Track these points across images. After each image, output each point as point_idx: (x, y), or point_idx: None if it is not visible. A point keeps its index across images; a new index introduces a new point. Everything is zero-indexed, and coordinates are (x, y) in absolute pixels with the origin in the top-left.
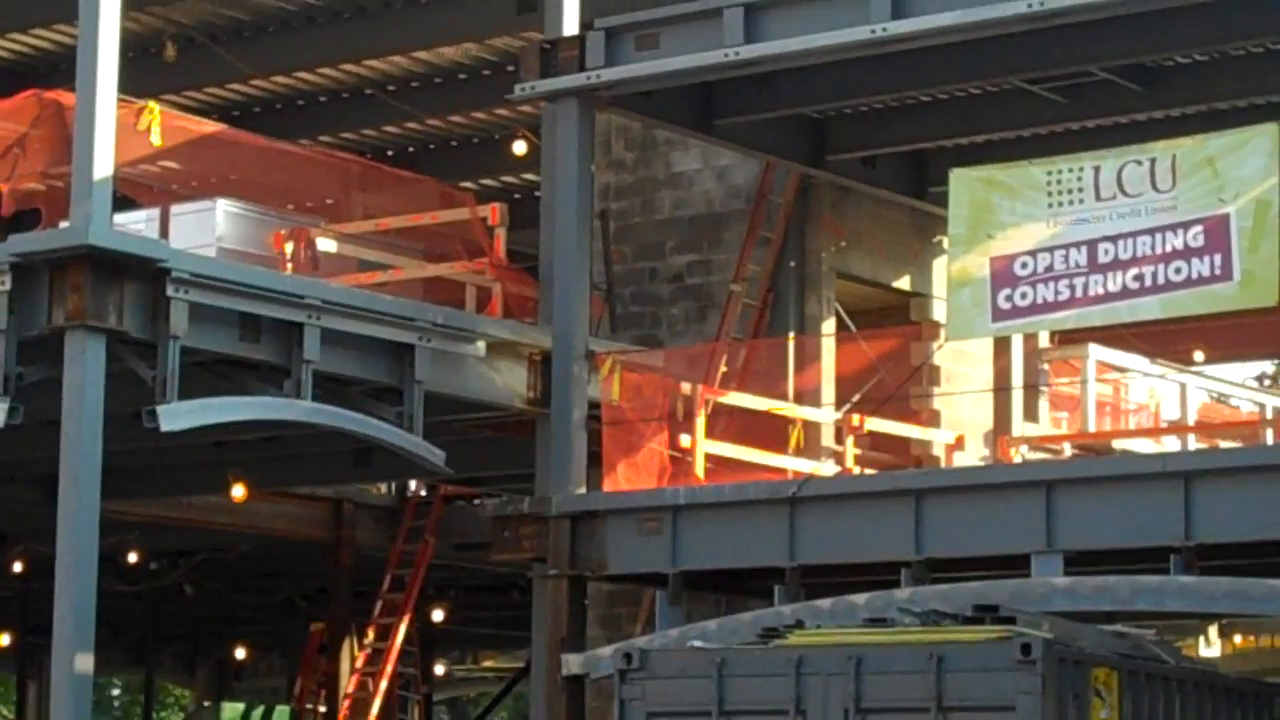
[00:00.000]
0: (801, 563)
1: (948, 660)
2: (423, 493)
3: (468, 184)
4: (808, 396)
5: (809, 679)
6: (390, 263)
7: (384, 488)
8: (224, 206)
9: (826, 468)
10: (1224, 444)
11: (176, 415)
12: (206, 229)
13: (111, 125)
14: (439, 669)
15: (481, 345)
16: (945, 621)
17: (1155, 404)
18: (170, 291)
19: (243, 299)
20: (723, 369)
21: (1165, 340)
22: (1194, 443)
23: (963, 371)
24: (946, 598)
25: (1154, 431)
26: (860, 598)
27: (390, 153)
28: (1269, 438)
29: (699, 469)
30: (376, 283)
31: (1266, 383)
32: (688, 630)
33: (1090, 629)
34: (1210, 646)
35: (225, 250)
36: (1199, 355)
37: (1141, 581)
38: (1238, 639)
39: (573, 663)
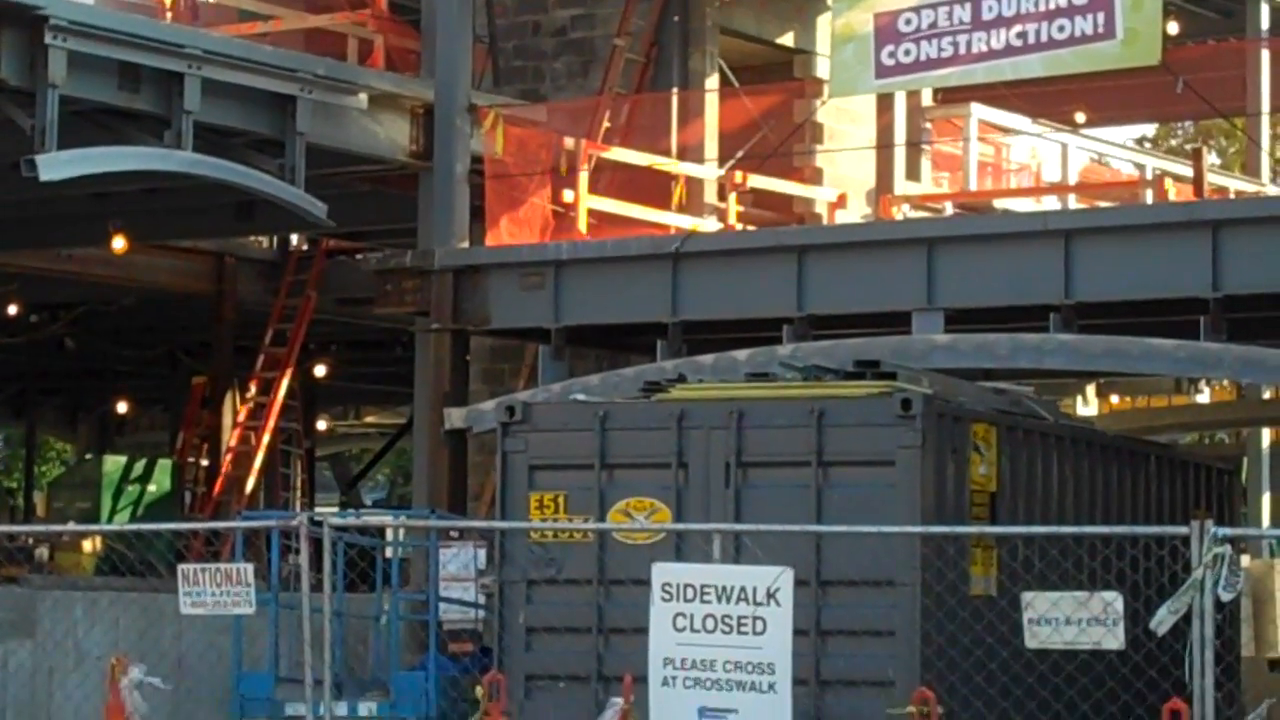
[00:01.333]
0: (684, 318)
1: (828, 415)
2: (305, 247)
3: None
4: (691, 153)
5: (691, 432)
6: (271, 13)
7: (266, 241)
8: None
9: (709, 224)
10: (1104, 204)
11: (55, 165)
12: None
13: None
14: (321, 424)
15: (363, 98)
16: (826, 377)
17: (1037, 164)
18: (49, 39)
19: (122, 48)
20: (606, 124)
21: (1047, 101)
22: (1074, 203)
23: (846, 129)
24: (828, 354)
25: (1035, 191)
26: (742, 353)
27: None
28: (1148, 198)
29: (582, 224)
30: (258, 33)
31: (1147, 145)
32: (570, 385)
33: (970, 385)
34: (1088, 405)
35: None
36: (1080, 116)
37: (1021, 339)
38: (1115, 399)
39: (455, 416)
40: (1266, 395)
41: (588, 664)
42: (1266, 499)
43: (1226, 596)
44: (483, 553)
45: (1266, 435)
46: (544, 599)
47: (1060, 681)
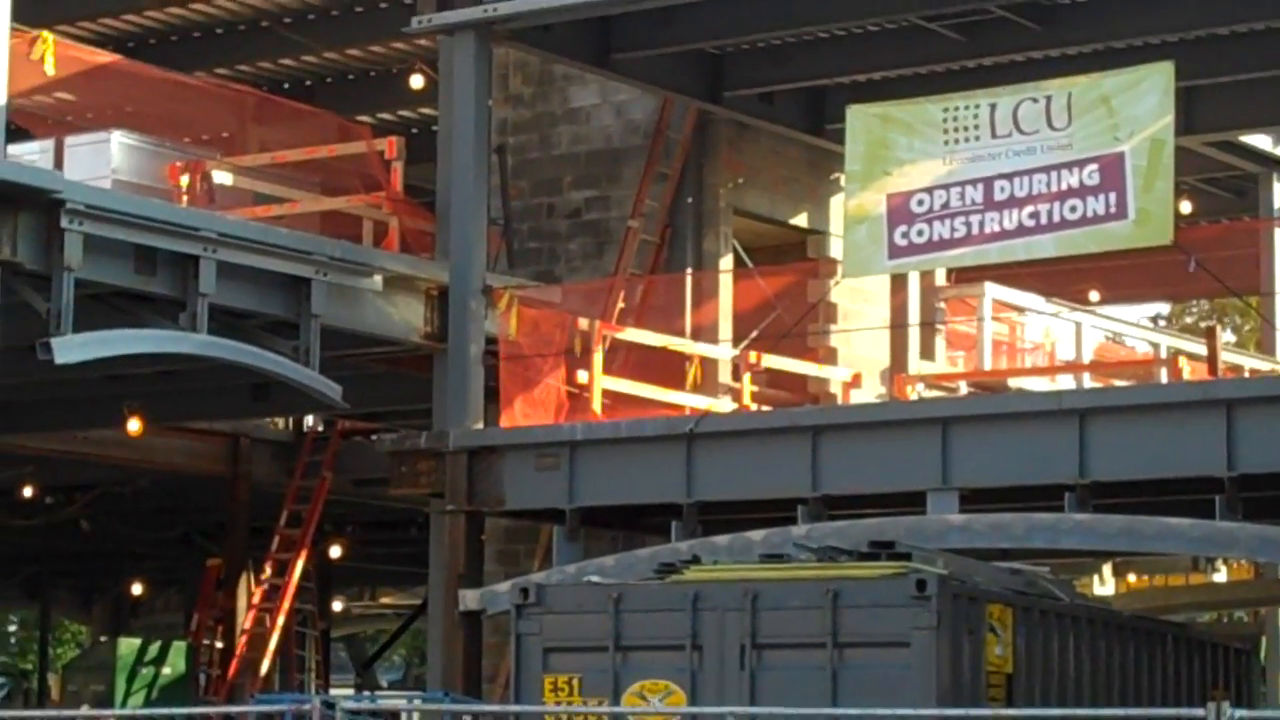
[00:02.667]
0: (699, 499)
1: (843, 596)
2: (320, 428)
3: (365, 118)
4: (705, 333)
5: (705, 614)
6: (286, 196)
7: (281, 423)
8: (119, 138)
9: (723, 404)
10: (1118, 383)
11: (71, 348)
12: (102, 160)
13: (4, 54)
14: (337, 605)
15: (378, 279)
16: (841, 557)
17: (1051, 343)
18: (65, 223)
19: (138, 231)
20: (620, 305)
21: (1061, 280)
22: (1089, 381)
23: (859, 309)
24: (843, 534)
25: (1049, 370)
26: (757, 534)
27: (287, 85)
28: (1163, 377)
29: (596, 405)
30: (273, 216)
31: (1161, 323)
32: (585, 566)
33: (985, 566)
34: (1104, 585)
35: (120, 182)
36: (1094, 295)
37: (1036, 519)
38: (1132, 578)
39: (470, 598)
40: None
41: None
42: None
43: None
44: None
45: None
46: None
47: None
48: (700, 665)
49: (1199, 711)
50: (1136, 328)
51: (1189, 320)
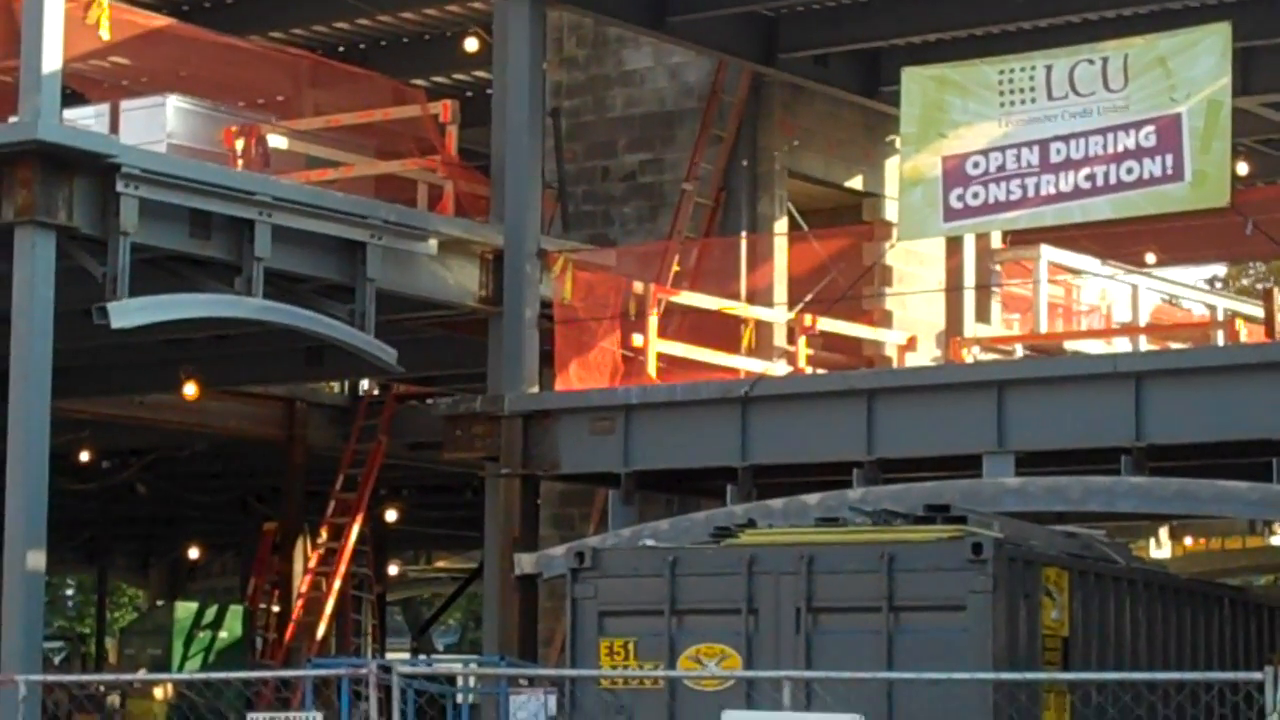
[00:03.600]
0: (753, 462)
1: (899, 559)
2: (375, 392)
3: (419, 81)
4: (760, 296)
5: (761, 578)
6: (341, 160)
7: (336, 387)
8: (174, 102)
9: (779, 368)
10: (1175, 346)
11: (127, 312)
12: (157, 125)
13: (60, 19)
14: (393, 569)
15: (433, 243)
16: (897, 521)
17: (1107, 306)
18: (120, 187)
19: (193, 195)
20: (675, 268)
21: (1117, 242)
22: (1145, 344)
23: (915, 272)
24: (898, 498)
25: (1105, 333)
26: (813, 497)
27: (341, 49)
28: (1219, 339)
29: (651, 368)
30: (327, 180)
31: (1218, 285)
32: (640, 529)
33: (1041, 529)
34: (1161, 548)
35: (175, 146)
36: (1151, 257)
37: (1092, 482)
38: (1188, 541)
39: (525, 562)
40: None
41: None
42: None
43: None
44: (553, 699)
45: None
46: None
47: None
48: (756, 629)
49: (1256, 675)
50: (1193, 290)
51: (1245, 282)
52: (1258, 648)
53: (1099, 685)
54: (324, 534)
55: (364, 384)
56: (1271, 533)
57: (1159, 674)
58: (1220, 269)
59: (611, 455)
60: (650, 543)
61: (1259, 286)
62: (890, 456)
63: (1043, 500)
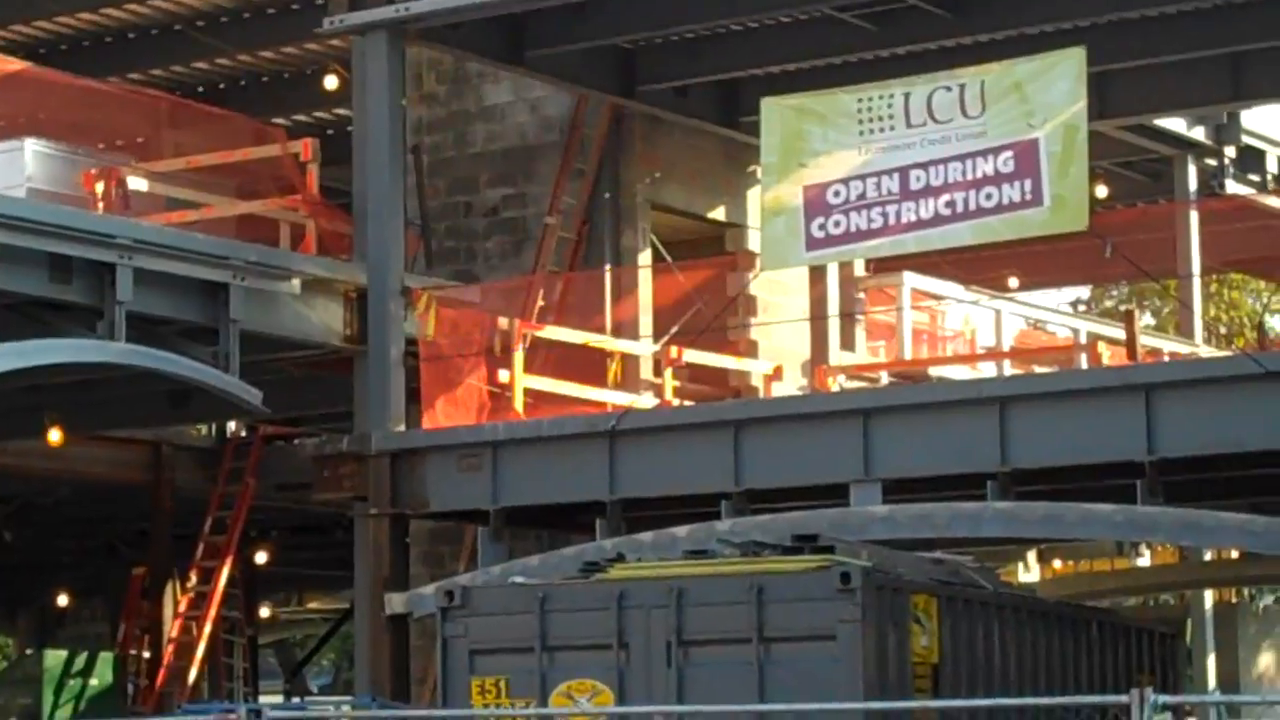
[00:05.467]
0: (622, 496)
1: (768, 590)
2: (242, 433)
3: (279, 120)
4: (625, 329)
5: (631, 612)
6: (202, 200)
7: (203, 429)
8: (32, 146)
9: (645, 400)
10: (1039, 369)
11: None
12: (15, 169)
13: None
14: (264, 611)
15: (296, 283)
16: (765, 552)
17: (971, 331)
18: None
19: (53, 239)
20: (540, 303)
21: (980, 267)
22: (1010, 369)
23: (779, 301)
24: (766, 528)
25: (970, 358)
26: (681, 530)
27: (200, 89)
28: (1083, 362)
29: (518, 404)
30: (189, 221)
31: (1082, 308)
32: (510, 566)
33: (909, 556)
34: (1029, 572)
35: (34, 190)
36: (1013, 282)
37: (959, 508)
38: (1057, 564)
39: (396, 601)
40: (1208, 556)
41: None
42: (1211, 660)
43: None
44: None
45: (1209, 596)
46: None
47: None
48: (627, 663)
49: (1123, 698)
50: (1055, 313)
51: (1110, 303)
52: (1126, 669)
53: (970, 712)
54: (194, 577)
55: (230, 426)
56: (1139, 554)
57: (1028, 699)
58: (1084, 292)
59: (480, 492)
60: (520, 580)
61: (1121, 308)
62: (758, 487)
63: (910, 527)
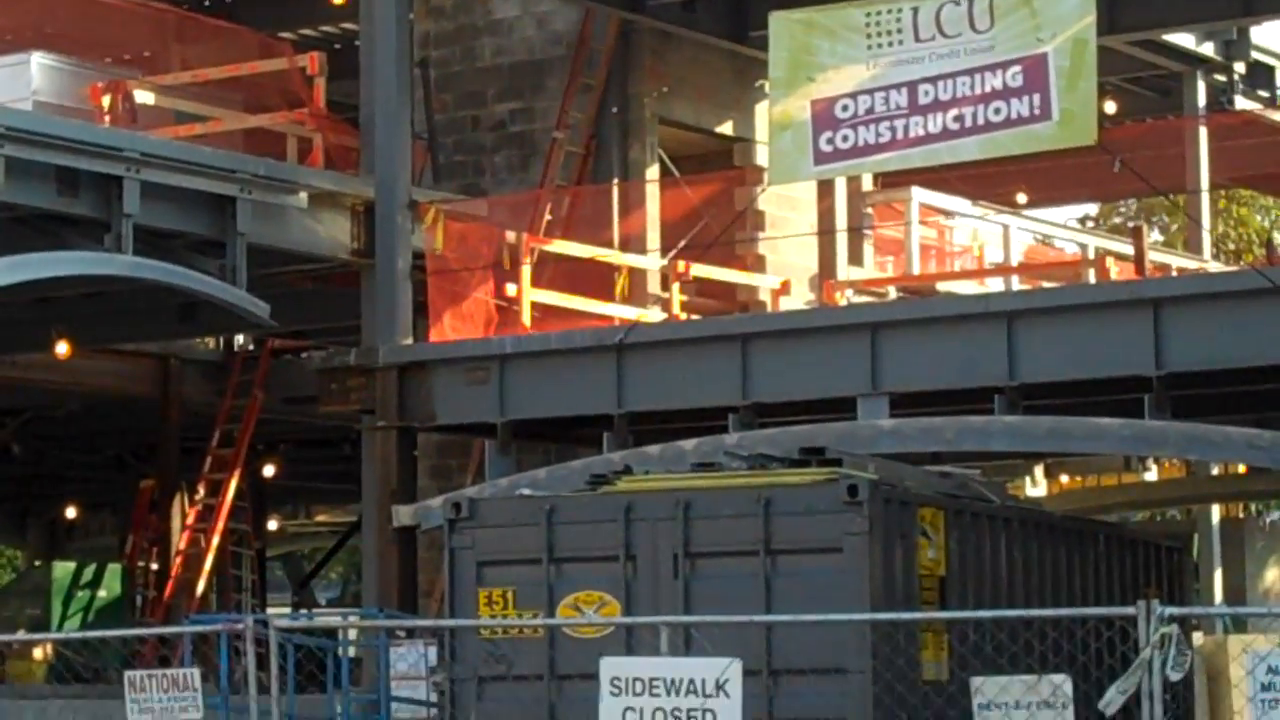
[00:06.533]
0: (629, 409)
1: (775, 503)
2: (250, 347)
3: (287, 34)
4: (633, 243)
5: (638, 524)
6: (210, 114)
7: (211, 343)
8: (39, 60)
9: (653, 315)
10: (1047, 285)
11: None
12: (21, 83)
13: None
14: (272, 524)
15: (304, 196)
16: (772, 465)
17: (979, 246)
18: None
19: (60, 152)
20: (547, 217)
21: (988, 183)
22: (1017, 284)
23: (787, 216)
24: (774, 442)
25: (977, 273)
26: (689, 443)
27: (207, 3)
28: (1091, 277)
29: (525, 318)
30: (196, 135)
31: (1090, 224)
32: (517, 479)
33: (916, 470)
34: (1036, 486)
35: (41, 104)
36: (1021, 197)
37: (966, 422)
38: (1063, 479)
39: (403, 514)
40: (1215, 471)
41: None
42: (1218, 575)
43: (1175, 676)
44: (433, 651)
45: (1216, 511)
46: (495, 696)
47: None
48: (634, 575)
49: (1130, 610)
50: (1064, 229)
51: (1118, 220)
52: (1133, 583)
53: (975, 624)
54: (201, 490)
55: (238, 339)
56: (1145, 469)
57: (1034, 611)
58: (1092, 208)
59: (487, 405)
60: (527, 492)
61: (1129, 224)
62: (766, 400)
63: (917, 441)
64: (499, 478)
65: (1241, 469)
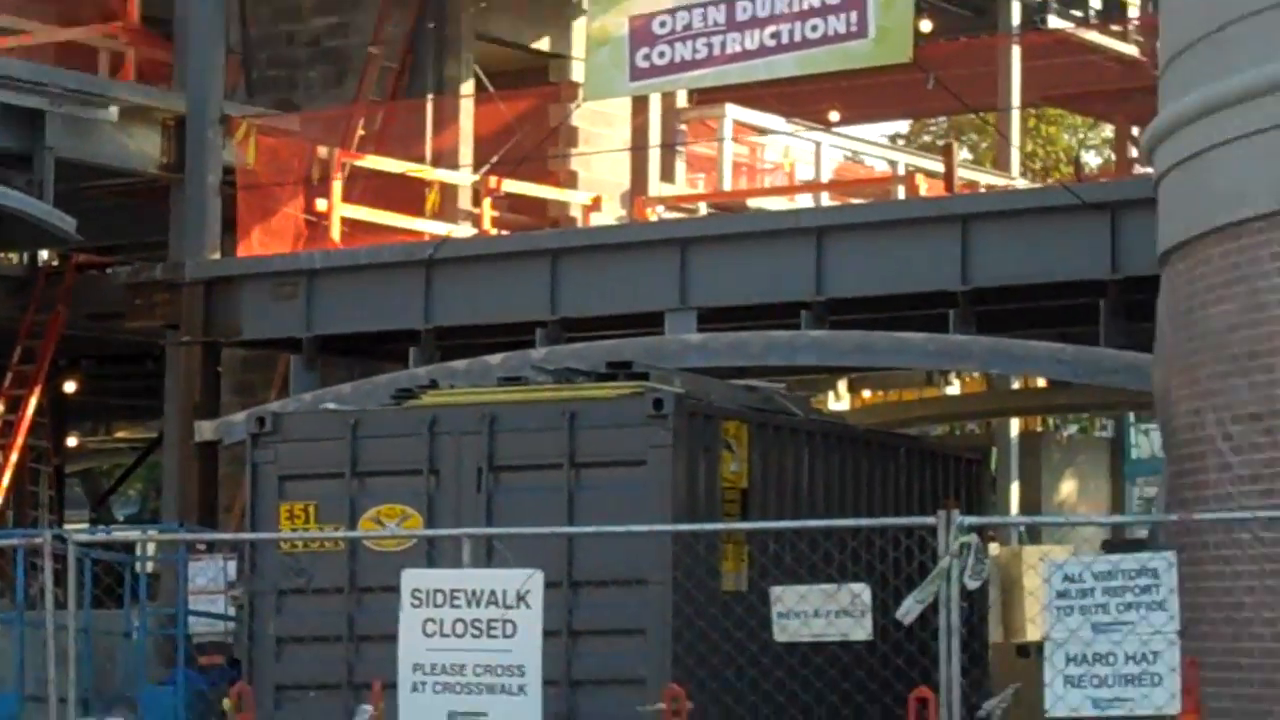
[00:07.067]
0: (437, 324)
1: (580, 417)
2: (55, 262)
3: None
4: (445, 159)
5: (442, 438)
6: (20, 27)
7: (15, 258)
8: None
9: (464, 231)
10: (856, 202)
11: None
12: None
13: None
14: (71, 440)
15: (114, 110)
16: (579, 379)
17: (790, 163)
18: None
19: None
20: (360, 132)
21: (801, 100)
22: (827, 201)
23: (600, 132)
24: (581, 356)
25: (788, 190)
26: (495, 358)
27: None
28: (900, 195)
29: (335, 233)
30: (7, 48)
31: (900, 142)
32: (322, 394)
33: (722, 384)
34: (840, 401)
35: None
36: (835, 115)
37: (773, 337)
38: (866, 393)
39: (205, 429)
40: (1015, 385)
41: (338, 672)
42: (1015, 487)
43: (973, 585)
44: (233, 565)
45: (1015, 425)
46: (294, 609)
47: (809, 674)
48: (437, 489)
49: (930, 520)
50: (875, 146)
51: (928, 138)
52: (932, 494)
53: (776, 535)
54: (1, 406)
55: (43, 254)
56: (948, 384)
57: (836, 521)
58: (903, 126)
59: (294, 320)
60: (332, 406)
61: (939, 143)
62: (573, 315)
63: (724, 355)
64: (303, 393)
65: (1041, 383)
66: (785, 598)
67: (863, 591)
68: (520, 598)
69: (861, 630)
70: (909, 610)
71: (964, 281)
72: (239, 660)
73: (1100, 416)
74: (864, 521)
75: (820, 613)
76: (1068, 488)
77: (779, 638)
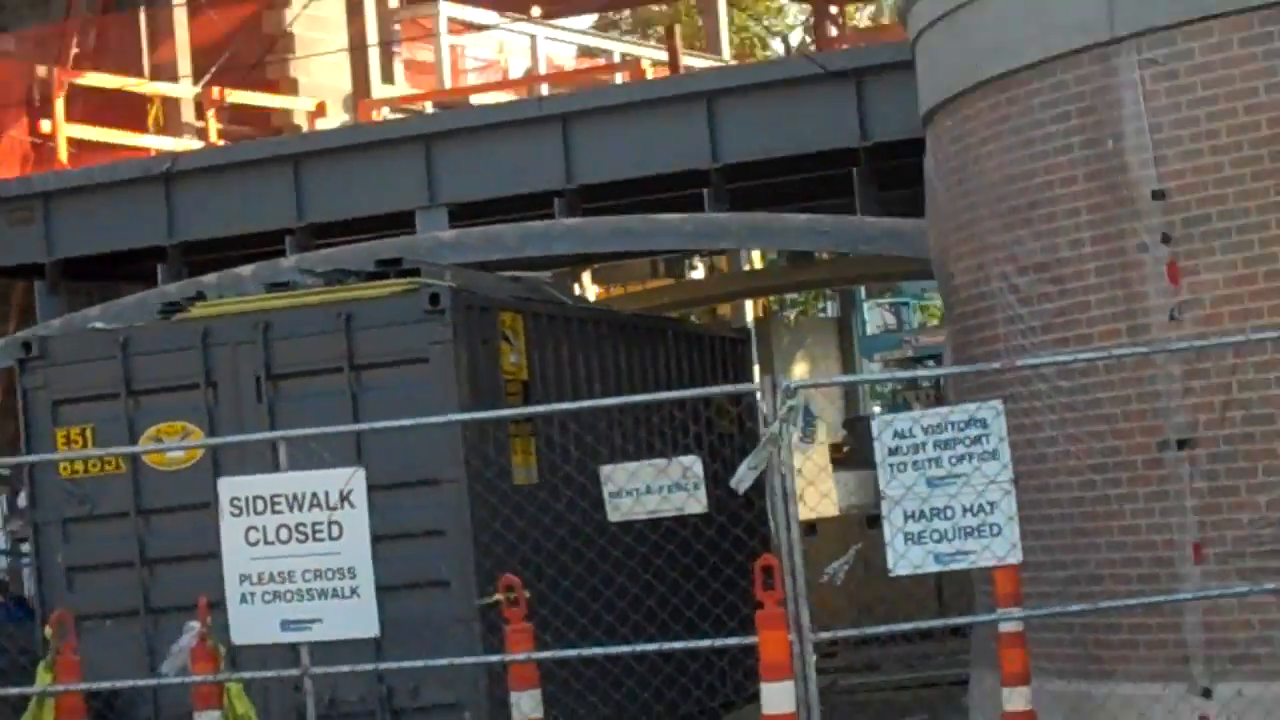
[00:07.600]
0: (182, 239)
1: (356, 318)
2: None
3: None
4: (165, 72)
5: (217, 350)
6: None
7: None
8: None
9: (189, 145)
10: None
11: None
12: None
13: None
14: None
15: None
16: (350, 279)
17: (505, 60)
18: None
19: None
20: (75, 50)
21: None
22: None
23: (318, 37)
24: (333, 261)
25: (511, 84)
26: (246, 269)
27: None
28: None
29: (62, 154)
30: None
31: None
32: (70, 319)
33: (490, 276)
34: (585, 293)
35: None
36: (536, 10)
37: (528, 228)
38: (597, 289)
39: None
40: (747, 268)
41: (134, 598)
42: (755, 370)
43: (806, 444)
44: (5, 499)
45: (749, 310)
46: (82, 537)
47: (647, 551)
48: (216, 402)
49: (753, 386)
50: (597, 36)
51: (617, 34)
52: (704, 373)
53: (562, 425)
54: None
55: None
56: (692, 268)
57: (662, 395)
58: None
59: (33, 245)
60: (100, 325)
61: (625, 38)
62: (321, 220)
63: (480, 250)
64: (50, 319)
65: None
66: (616, 476)
67: (694, 464)
68: (344, 497)
69: (697, 504)
70: (742, 478)
71: (714, 159)
72: (21, 597)
73: (838, 290)
74: (689, 393)
75: (652, 489)
76: (799, 370)
77: (612, 517)
